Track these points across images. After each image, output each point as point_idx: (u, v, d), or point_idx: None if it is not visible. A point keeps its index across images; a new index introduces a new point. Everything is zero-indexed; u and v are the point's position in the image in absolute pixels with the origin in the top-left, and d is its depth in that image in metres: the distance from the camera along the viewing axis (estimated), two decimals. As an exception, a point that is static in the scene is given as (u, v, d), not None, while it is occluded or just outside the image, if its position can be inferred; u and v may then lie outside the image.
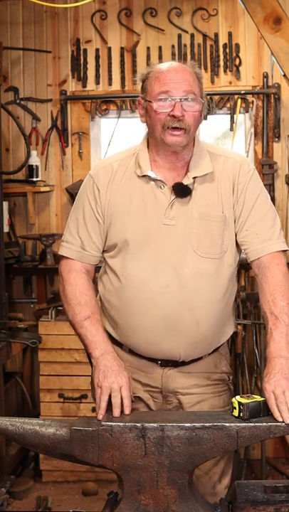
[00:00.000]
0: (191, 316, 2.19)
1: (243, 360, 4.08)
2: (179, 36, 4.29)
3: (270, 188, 4.26)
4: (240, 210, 2.23)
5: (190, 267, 2.18)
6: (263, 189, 2.28)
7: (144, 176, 2.21)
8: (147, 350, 2.24)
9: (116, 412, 1.97)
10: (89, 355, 2.18)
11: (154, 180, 2.20)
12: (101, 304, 2.37)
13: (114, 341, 2.31)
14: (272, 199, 4.26)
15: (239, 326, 4.01)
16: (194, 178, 2.21)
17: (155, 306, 2.18)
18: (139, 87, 2.25)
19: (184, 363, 2.27)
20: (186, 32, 4.29)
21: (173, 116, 2.11)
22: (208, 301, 2.21)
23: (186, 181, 2.20)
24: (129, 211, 2.21)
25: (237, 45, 4.27)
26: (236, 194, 2.23)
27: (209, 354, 2.32)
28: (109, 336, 2.32)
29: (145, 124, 2.25)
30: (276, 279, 2.14)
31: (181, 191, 2.18)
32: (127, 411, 1.99)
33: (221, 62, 4.29)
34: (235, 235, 2.24)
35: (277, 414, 1.86)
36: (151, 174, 2.20)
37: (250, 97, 4.27)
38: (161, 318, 2.18)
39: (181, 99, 2.12)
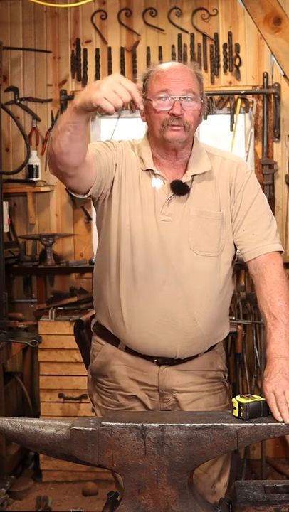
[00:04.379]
0: (187, 313, 2.20)
1: (243, 360, 4.08)
2: (179, 36, 4.29)
3: (270, 188, 4.26)
4: (237, 210, 2.24)
5: (187, 264, 2.19)
6: (259, 190, 2.29)
7: (146, 170, 2.23)
8: (143, 347, 2.24)
9: None
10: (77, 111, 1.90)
11: (155, 175, 2.22)
12: (97, 300, 2.37)
13: (110, 338, 2.32)
14: (272, 199, 4.27)
15: (239, 326, 4.01)
16: (193, 176, 2.22)
17: (152, 302, 2.18)
18: (140, 86, 2.26)
19: (179, 361, 2.27)
20: (186, 32, 4.29)
21: (172, 114, 2.12)
22: (204, 299, 2.22)
23: (185, 179, 2.21)
24: (129, 202, 2.22)
25: (237, 45, 4.28)
26: (233, 194, 2.25)
27: (205, 352, 2.33)
28: (106, 332, 2.33)
29: (146, 122, 2.26)
30: (273, 279, 2.15)
31: (179, 188, 2.20)
32: (140, 106, 1.86)
33: (221, 62, 4.29)
34: (232, 234, 2.25)
35: (277, 414, 1.86)
36: (154, 169, 2.22)
37: (250, 97, 4.28)
38: (158, 314, 2.19)
39: (180, 98, 2.13)
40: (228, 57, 4.28)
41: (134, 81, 4.39)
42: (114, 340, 2.32)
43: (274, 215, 2.35)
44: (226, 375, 2.41)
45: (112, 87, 1.79)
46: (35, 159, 4.30)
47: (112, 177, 2.22)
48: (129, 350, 2.29)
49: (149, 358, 2.28)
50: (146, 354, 2.27)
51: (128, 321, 2.22)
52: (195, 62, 2.20)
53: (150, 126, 2.23)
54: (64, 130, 1.92)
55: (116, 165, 2.23)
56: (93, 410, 2.46)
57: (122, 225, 2.22)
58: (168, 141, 2.16)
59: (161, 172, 2.23)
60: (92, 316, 2.46)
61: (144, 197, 2.22)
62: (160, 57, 4.29)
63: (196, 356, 2.30)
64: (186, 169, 2.24)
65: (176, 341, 2.22)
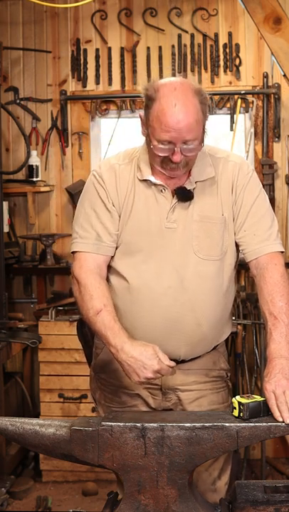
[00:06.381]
0: (192, 317, 2.20)
1: (243, 360, 4.08)
2: (179, 36, 4.29)
3: (270, 188, 4.26)
4: (239, 210, 2.24)
5: (191, 269, 2.19)
6: (261, 190, 2.28)
7: (145, 179, 2.21)
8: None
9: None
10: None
11: (155, 184, 2.20)
12: None
13: None
14: (272, 199, 4.26)
15: (239, 326, 4.01)
16: (196, 182, 2.21)
17: (157, 307, 2.18)
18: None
19: (183, 361, 2.28)
20: (186, 32, 4.29)
21: (172, 160, 2.10)
22: (209, 302, 2.22)
23: (189, 186, 2.20)
24: (132, 214, 2.21)
25: (237, 45, 4.28)
26: (235, 194, 2.24)
27: (208, 352, 2.33)
28: None
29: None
30: (274, 279, 2.15)
31: (184, 196, 2.19)
32: (172, 364, 2.04)
33: (221, 62, 4.29)
34: (234, 234, 2.25)
35: (277, 414, 1.87)
36: (152, 179, 2.20)
37: (250, 97, 4.28)
38: (163, 319, 2.19)
39: (181, 146, 2.08)
40: (228, 57, 4.28)
41: (134, 83, 4.37)
42: None
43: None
44: (228, 374, 2.42)
45: (150, 379, 2.04)
46: (35, 159, 4.30)
47: (118, 220, 2.23)
48: None
49: None
50: None
51: (133, 325, 2.21)
52: (203, 89, 2.10)
53: (149, 150, 2.18)
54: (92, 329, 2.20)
55: (113, 204, 2.22)
56: (93, 410, 2.47)
57: (126, 235, 2.21)
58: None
59: (161, 180, 2.20)
60: None
61: (146, 206, 2.21)
62: (160, 58, 4.29)
63: (199, 356, 2.30)
64: (189, 175, 2.21)
65: (180, 345, 2.23)
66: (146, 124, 2.14)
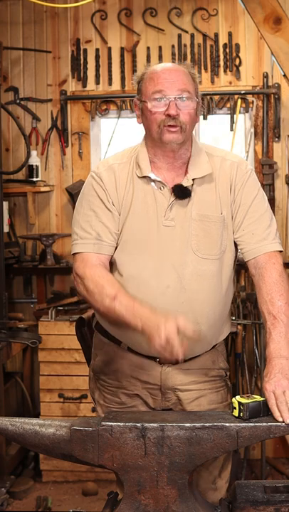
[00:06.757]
0: (191, 316, 2.19)
1: (243, 360, 4.08)
2: (179, 36, 4.29)
3: (270, 188, 4.26)
4: (237, 210, 2.24)
5: (190, 268, 2.19)
6: (260, 190, 2.29)
7: (144, 177, 2.21)
8: (147, 350, 2.24)
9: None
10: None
11: (154, 181, 2.21)
12: None
13: (111, 339, 2.32)
14: (272, 199, 4.27)
15: (239, 326, 4.01)
16: (193, 179, 2.21)
17: (156, 306, 2.18)
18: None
19: (182, 361, 2.27)
20: (186, 32, 4.29)
21: (168, 115, 2.12)
22: (208, 302, 2.22)
23: (186, 183, 2.20)
24: (130, 212, 2.21)
25: (237, 45, 4.28)
26: (233, 194, 2.25)
27: (207, 351, 2.32)
28: (106, 334, 2.33)
29: (142, 124, 2.25)
30: (273, 278, 2.15)
31: (181, 193, 2.19)
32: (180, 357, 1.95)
33: (221, 62, 4.29)
34: (232, 233, 2.25)
35: (277, 414, 1.87)
36: (151, 175, 2.21)
37: (250, 97, 4.28)
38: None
39: (175, 97, 2.13)
40: (228, 57, 4.28)
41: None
42: (116, 339, 2.31)
43: (274, 214, 2.34)
44: (228, 373, 2.42)
45: (164, 348, 1.92)
46: (35, 159, 4.30)
47: (119, 219, 2.23)
48: (131, 349, 2.29)
49: (151, 357, 2.27)
50: (149, 355, 2.27)
51: None
52: (189, 62, 2.20)
53: (146, 128, 2.22)
54: (111, 319, 2.14)
55: (113, 204, 2.22)
56: (93, 410, 2.47)
57: (124, 233, 2.21)
58: (165, 143, 2.16)
59: (160, 176, 2.21)
60: (94, 314, 2.46)
61: (144, 204, 2.21)
62: (160, 57, 4.29)
63: (198, 355, 2.30)
64: (186, 172, 2.23)
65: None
66: (140, 97, 2.20)
